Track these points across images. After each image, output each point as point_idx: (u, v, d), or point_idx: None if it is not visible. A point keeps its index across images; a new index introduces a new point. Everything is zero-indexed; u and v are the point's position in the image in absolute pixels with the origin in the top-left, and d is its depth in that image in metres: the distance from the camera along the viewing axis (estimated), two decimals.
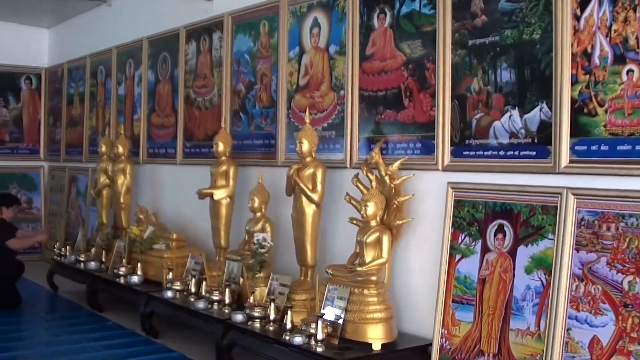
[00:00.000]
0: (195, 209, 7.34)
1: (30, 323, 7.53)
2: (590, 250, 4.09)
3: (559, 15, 4.29)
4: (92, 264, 8.07)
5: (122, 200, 8.36)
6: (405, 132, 5.30)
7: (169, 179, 8.47)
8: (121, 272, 7.35)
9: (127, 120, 9.22)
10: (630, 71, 3.98)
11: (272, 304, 5.28)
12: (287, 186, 5.68)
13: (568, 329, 4.10)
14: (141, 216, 7.92)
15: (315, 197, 5.52)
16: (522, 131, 4.52)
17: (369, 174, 5.23)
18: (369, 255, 5.01)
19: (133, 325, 6.95)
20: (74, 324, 7.36)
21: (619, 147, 4.02)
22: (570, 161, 4.26)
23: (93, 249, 8.50)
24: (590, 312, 4.03)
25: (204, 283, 6.24)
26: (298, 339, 4.80)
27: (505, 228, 4.56)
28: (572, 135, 4.24)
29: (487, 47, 4.73)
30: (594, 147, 4.14)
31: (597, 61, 4.13)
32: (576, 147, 4.23)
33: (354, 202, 5.28)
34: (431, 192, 5.11)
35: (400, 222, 5.08)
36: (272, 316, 5.26)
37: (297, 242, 5.68)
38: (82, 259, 8.28)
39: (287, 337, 4.93)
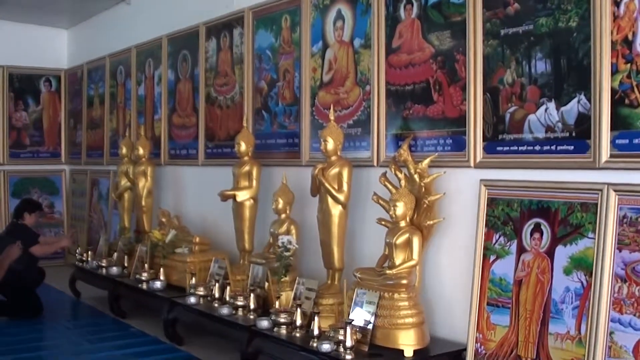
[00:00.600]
0: (218, 211, 7.19)
1: (52, 331, 7.40)
2: (634, 250, 3.87)
3: (597, 1, 4.06)
4: (114, 270, 7.93)
5: (143, 203, 8.22)
6: (435, 128, 5.09)
7: (191, 180, 8.32)
8: (143, 278, 7.21)
9: (147, 121, 9.10)
10: None
11: (299, 310, 5.10)
12: (311, 186, 5.51)
13: (611, 333, 3.88)
14: (163, 219, 7.76)
15: (341, 197, 5.32)
16: (559, 125, 4.30)
17: (398, 173, 5.04)
18: (398, 257, 4.82)
19: (157, 331, 6.80)
20: (96, 331, 7.23)
21: None
22: (611, 155, 4.04)
23: (115, 254, 8.37)
24: (635, 315, 3.82)
25: (228, 288, 6.06)
26: (326, 346, 4.61)
27: (542, 227, 4.34)
28: (612, 128, 4.02)
29: (521, 37, 4.51)
30: (636, 141, 3.92)
31: (638, 49, 3.90)
32: (617, 141, 4.00)
33: (382, 202, 5.08)
34: (463, 191, 4.91)
35: (431, 222, 4.88)
36: (298, 322, 5.09)
37: (323, 244, 5.50)
38: (103, 265, 8.15)
39: (315, 344, 4.75)
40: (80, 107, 11.27)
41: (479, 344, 4.56)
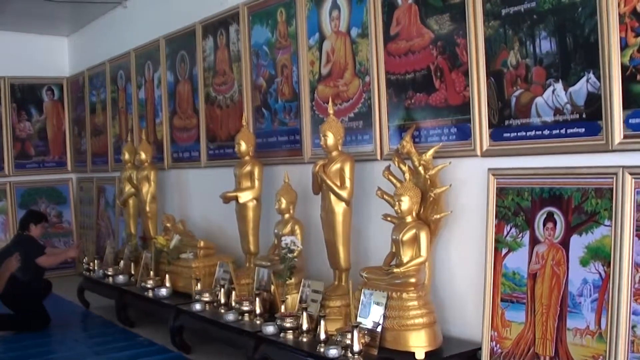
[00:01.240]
0: (222, 213, 7.01)
1: (59, 344, 7.28)
2: None
3: None
4: (120, 278, 7.80)
5: (148, 208, 8.05)
6: (439, 117, 4.88)
7: (194, 183, 8.18)
8: (149, 285, 7.06)
9: (149, 125, 8.96)
10: None
11: (305, 313, 4.89)
12: (313, 184, 5.30)
13: (633, 327, 3.65)
14: (168, 225, 7.64)
15: (344, 194, 5.11)
16: (568, 106, 4.06)
17: (401, 165, 4.83)
18: (406, 254, 4.62)
19: (164, 340, 6.64)
20: (104, 342, 7.10)
21: None
22: (625, 136, 3.79)
23: (122, 262, 8.23)
24: None
25: (234, 293, 5.87)
26: (333, 352, 4.42)
27: (555, 216, 4.12)
28: (625, 107, 3.78)
29: (523, 16, 4.27)
30: None
31: None
32: (630, 120, 3.76)
33: (386, 197, 4.87)
34: (470, 181, 4.69)
35: (438, 216, 4.66)
36: (304, 326, 4.89)
37: (328, 244, 5.29)
38: (110, 273, 8.03)
39: (322, 350, 4.55)
40: (84, 115, 11.14)
41: (494, 343, 4.34)
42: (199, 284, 6.41)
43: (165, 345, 6.57)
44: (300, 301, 5.21)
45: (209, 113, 7.64)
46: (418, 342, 4.41)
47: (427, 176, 4.68)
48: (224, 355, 6.11)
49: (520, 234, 4.28)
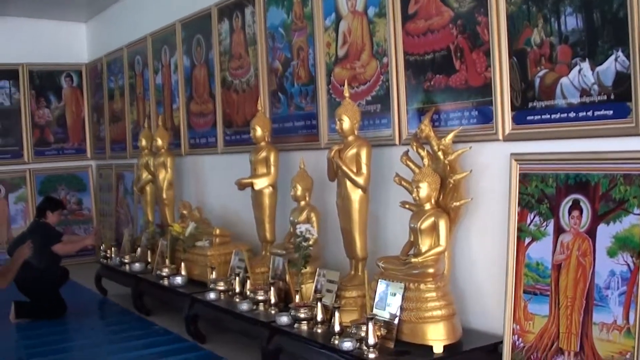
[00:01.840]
0: (239, 200, 6.86)
1: (75, 333, 7.22)
2: None
3: None
4: (137, 266, 7.70)
5: (164, 195, 7.93)
6: (459, 99, 4.66)
7: (211, 169, 8.05)
8: (164, 274, 6.95)
9: (166, 111, 8.84)
10: None
11: (319, 304, 4.72)
12: (328, 170, 5.12)
13: None
14: (184, 212, 7.51)
15: (360, 180, 4.91)
16: (595, 87, 3.84)
17: (420, 150, 4.63)
18: (424, 243, 4.44)
19: (180, 329, 6.53)
20: (119, 330, 7.02)
21: None
22: None
23: (139, 250, 8.12)
24: None
25: (248, 282, 5.72)
26: (347, 344, 4.24)
27: (582, 204, 3.90)
28: None
29: None
30: None
31: None
32: None
33: (404, 184, 4.68)
34: (492, 167, 4.48)
35: (458, 203, 4.45)
36: (319, 317, 4.73)
37: (344, 232, 5.11)
38: (126, 261, 7.93)
39: (336, 342, 4.37)
40: (102, 101, 11.06)
41: (516, 336, 4.14)
42: (214, 273, 6.29)
43: (180, 334, 6.46)
44: (315, 291, 5.04)
45: (225, 98, 7.50)
46: (436, 335, 4.23)
47: (446, 161, 4.48)
48: (239, 345, 5.97)
49: (544, 223, 4.08)
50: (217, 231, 6.80)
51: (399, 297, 4.31)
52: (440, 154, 4.52)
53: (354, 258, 5.08)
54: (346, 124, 4.95)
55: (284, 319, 4.92)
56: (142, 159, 8.37)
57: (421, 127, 4.60)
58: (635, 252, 3.57)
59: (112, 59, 10.55)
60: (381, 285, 4.45)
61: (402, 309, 4.28)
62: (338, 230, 5.26)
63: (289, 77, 6.37)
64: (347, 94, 5.06)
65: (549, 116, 4.10)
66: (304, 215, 5.52)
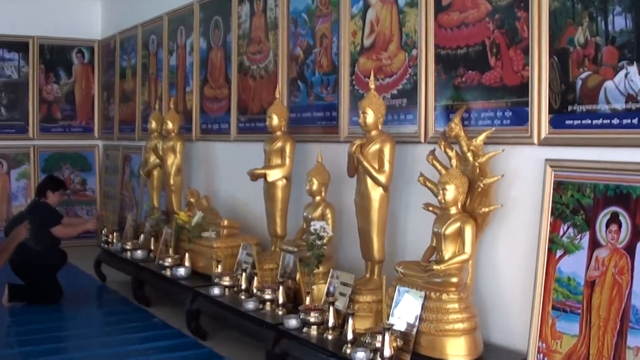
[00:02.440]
0: (249, 191, 6.62)
1: (70, 320, 6.95)
2: None
3: None
4: (139, 253, 7.46)
5: (172, 181, 7.68)
6: (492, 98, 4.39)
7: (222, 157, 7.79)
8: (167, 264, 6.72)
9: (179, 94, 8.58)
10: None
11: (332, 308, 4.45)
12: (348, 166, 4.85)
13: None
14: (192, 200, 7.29)
15: (382, 178, 4.64)
16: None
17: (448, 150, 4.36)
18: (448, 250, 4.18)
19: (180, 323, 6.26)
20: (117, 321, 6.76)
21: None
22: None
23: (142, 236, 7.86)
24: None
25: (256, 279, 5.46)
26: (360, 355, 3.99)
27: (621, 217, 3.65)
28: None
29: None
30: None
31: None
32: None
33: (429, 185, 4.42)
34: (524, 172, 4.22)
35: (487, 209, 4.18)
36: (330, 322, 4.48)
37: (361, 232, 4.84)
38: (128, 248, 7.69)
39: (348, 351, 4.13)
40: (113, 80, 10.81)
41: (541, 355, 3.88)
42: (219, 266, 6.05)
43: (181, 329, 6.21)
44: (327, 294, 4.79)
45: (241, 83, 7.24)
46: (456, 350, 3.97)
47: (476, 164, 4.21)
48: (242, 345, 5.71)
49: (579, 235, 3.82)
50: (225, 222, 6.55)
51: (418, 306, 4.05)
52: (469, 155, 4.25)
53: (370, 260, 4.81)
54: (370, 117, 4.69)
55: (292, 322, 4.66)
56: (151, 141, 8.13)
57: (451, 125, 4.33)
58: None
59: (126, 37, 10.30)
60: (399, 292, 4.19)
61: (421, 319, 4.03)
62: (353, 229, 5.03)
63: (310, 65, 6.11)
64: (372, 86, 4.79)
65: (589, 121, 3.85)
66: (318, 212, 5.26)
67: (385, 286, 4.23)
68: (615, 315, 3.56)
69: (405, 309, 4.11)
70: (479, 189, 4.17)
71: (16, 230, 6.51)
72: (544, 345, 3.87)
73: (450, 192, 4.17)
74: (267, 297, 5.20)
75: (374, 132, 4.72)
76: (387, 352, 3.82)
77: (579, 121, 3.88)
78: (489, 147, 4.26)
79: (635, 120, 3.62)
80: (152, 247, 7.47)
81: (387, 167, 4.64)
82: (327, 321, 4.45)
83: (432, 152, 4.46)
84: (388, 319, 4.13)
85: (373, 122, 4.70)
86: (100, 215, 9.32)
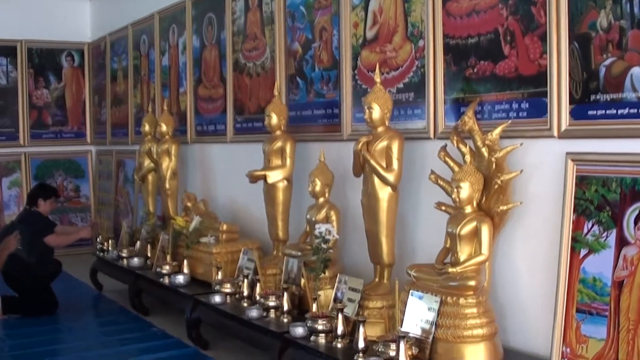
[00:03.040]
0: (249, 194, 6.39)
1: (66, 332, 6.73)
2: None
3: None
4: (135, 261, 7.22)
5: (167, 185, 7.44)
6: (507, 89, 4.16)
7: (219, 159, 7.58)
8: (165, 271, 6.48)
9: (172, 95, 8.36)
10: None
11: (340, 315, 4.19)
12: (354, 165, 4.62)
13: None
14: (188, 204, 7.06)
15: (390, 177, 4.41)
16: None
17: (461, 146, 4.13)
18: (463, 251, 3.96)
19: (180, 332, 6.03)
20: (115, 332, 6.52)
21: None
22: None
23: (138, 243, 7.61)
24: None
25: (258, 285, 5.22)
26: None
27: None
28: None
29: None
30: None
31: None
32: None
33: (442, 183, 4.18)
34: (544, 167, 3.99)
35: (505, 207, 3.95)
36: (339, 330, 4.23)
37: (369, 234, 4.61)
38: (124, 255, 7.45)
39: None
40: (104, 83, 10.58)
41: None
42: (219, 273, 5.82)
43: (181, 338, 5.97)
44: (335, 300, 4.55)
45: (237, 82, 7.02)
46: (475, 357, 3.77)
47: (492, 159, 3.97)
48: (245, 354, 5.47)
49: (605, 233, 3.61)
50: (224, 227, 6.33)
51: (433, 312, 3.82)
52: (484, 150, 4.02)
53: (379, 264, 4.57)
54: (376, 113, 4.45)
55: (299, 330, 4.42)
56: (145, 145, 7.91)
57: (464, 119, 4.09)
58: None
59: (117, 38, 10.07)
60: (413, 298, 3.96)
61: (436, 325, 3.81)
62: (358, 231, 4.85)
63: (309, 60, 5.89)
64: (378, 80, 4.56)
65: (614, 111, 3.63)
66: (322, 214, 5.03)
67: (398, 292, 3.99)
68: None
69: (420, 315, 3.89)
70: (496, 186, 3.93)
71: (5, 242, 6.28)
72: (568, 350, 3.66)
73: (465, 190, 3.94)
74: (271, 304, 4.96)
75: (380, 129, 4.49)
76: None
77: (603, 111, 3.67)
78: (504, 142, 4.03)
79: None
80: (149, 254, 7.25)
81: (395, 165, 4.41)
82: (336, 329, 4.21)
83: (444, 148, 4.24)
84: (401, 326, 3.89)
85: (379, 118, 4.46)
86: (94, 222, 9.09)
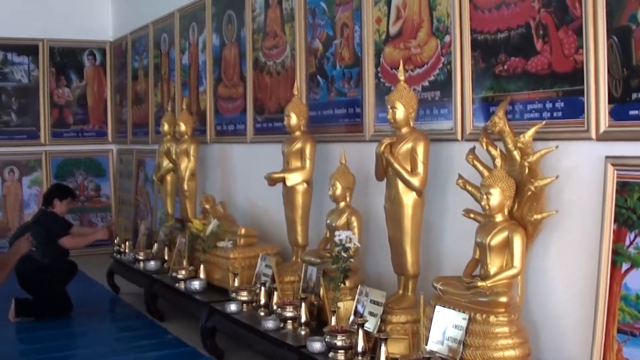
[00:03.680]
0: (268, 196, 6.16)
1: (79, 338, 6.60)
2: None
3: None
4: (152, 264, 7.04)
5: (185, 187, 7.22)
6: (540, 87, 3.86)
7: (239, 160, 7.34)
8: (180, 276, 6.23)
9: (192, 94, 8.16)
10: None
11: (361, 331, 3.91)
12: (377, 168, 4.34)
13: None
14: (207, 206, 6.84)
15: (415, 181, 4.14)
16: None
17: (491, 148, 3.83)
18: (494, 263, 3.67)
19: (195, 339, 5.80)
20: (129, 338, 6.34)
21: None
22: None
23: (155, 245, 7.40)
24: None
25: (276, 294, 4.97)
26: None
27: None
28: None
29: None
30: None
31: None
32: None
33: (470, 189, 3.90)
34: (580, 172, 3.68)
35: (539, 216, 3.64)
36: (360, 347, 3.94)
37: (392, 242, 4.33)
38: (141, 258, 7.24)
39: None
40: (126, 82, 10.45)
41: None
42: (236, 279, 5.58)
43: (196, 346, 5.75)
44: (356, 313, 4.28)
45: (257, 81, 6.79)
46: None
47: (525, 163, 3.67)
48: None
49: None
50: (242, 231, 6.08)
51: (461, 330, 3.53)
52: (516, 153, 3.73)
53: (403, 275, 4.29)
54: (400, 113, 4.17)
55: (316, 345, 4.15)
56: (164, 145, 7.71)
57: (494, 119, 3.79)
58: None
59: (138, 37, 9.92)
60: (439, 313, 3.67)
61: (464, 345, 3.52)
62: (381, 238, 4.60)
63: (330, 58, 5.63)
64: (402, 77, 4.27)
65: None
66: (343, 219, 4.77)
67: (423, 307, 3.70)
68: None
69: (446, 333, 3.60)
70: (529, 193, 3.63)
71: (17, 244, 6.09)
72: None
73: (496, 196, 3.64)
74: (289, 314, 4.70)
75: (404, 130, 4.21)
76: None
77: None
78: (537, 144, 3.73)
79: None
80: (166, 258, 7.05)
81: (421, 168, 4.13)
82: (356, 345, 3.93)
83: (472, 150, 3.95)
84: (426, 344, 3.61)
85: (404, 118, 4.19)
86: (111, 224, 8.90)
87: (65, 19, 10.55)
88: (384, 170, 4.27)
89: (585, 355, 3.45)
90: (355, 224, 4.73)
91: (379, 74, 5.06)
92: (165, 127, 7.74)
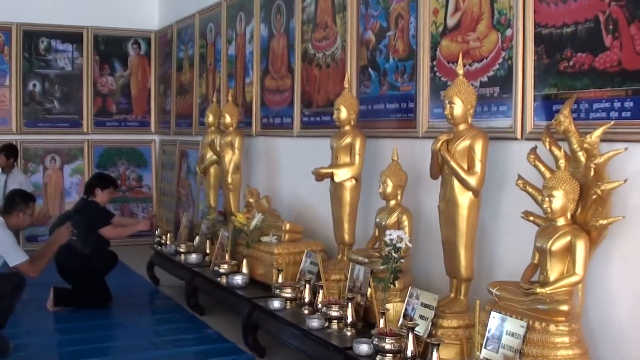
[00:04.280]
0: (315, 192, 5.99)
1: (117, 330, 6.44)
2: None
3: None
4: (193, 257, 6.90)
5: (229, 180, 7.09)
6: (608, 85, 3.65)
7: (285, 154, 7.18)
8: (222, 270, 6.09)
9: (238, 85, 7.99)
10: None
11: (411, 335, 3.74)
12: (432, 165, 4.17)
13: None
14: (251, 200, 6.70)
15: (472, 181, 3.96)
16: None
17: (554, 148, 3.64)
18: (554, 269, 3.49)
19: (236, 335, 5.68)
20: (168, 331, 6.22)
21: None
22: None
23: (197, 238, 7.29)
24: None
25: (321, 292, 4.80)
26: None
27: None
28: None
29: None
30: None
31: None
32: None
33: (531, 190, 3.71)
34: None
35: (605, 221, 3.44)
36: (409, 351, 3.77)
37: (445, 244, 4.16)
38: (182, 250, 7.12)
39: None
40: (170, 72, 10.30)
41: None
42: (280, 276, 5.44)
43: (237, 342, 5.64)
44: (405, 315, 4.11)
45: (305, 73, 6.61)
46: None
47: (591, 165, 3.47)
48: None
49: None
50: (287, 226, 5.95)
51: (518, 338, 3.35)
52: (581, 155, 3.53)
53: (456, 278, 4.11)
54: (458, 108, 4.00)
55: (363, 348, 4.00)
56: (208, 136, 7.56)
57: (559, 118, 3.59)
58: None
59: (183, 27, 9.77)
60: (494, 319, 3.50)
61: (521, 354, 3.35)
62: (431, 239, 4.46)
63: (383, 50, 5.43)
64: (460, 72, 4.09)
65: None
66: (393, 218, 4.60)
67: (478, 312, 3.53)
68: None
69: (502, 341, 3.42)
70: (595, 196, 3.44)
71: (56, 233, 6.00)
72: None
73: (558, 199, 3.45)
74: (334, 314, 4.54)
75: (462, 126, 4.03)
76: None
77: None
78: (603, 146, 3.53)
79: None
80: (208, 251, 6.92)
81: (478, 167, 3.95)
82: (406, 350, 3.75)
83: (534, 150, 3.76)
84: (480, 351, 3.44)
85: (462, 114, 4.01)
86: (154, 215, 8.79)
87: (110, 7, 10.48)
88: (440, 168, 4.10)
89: None
90: (406, 223, 4.57)
91: (435, 68, 4.86)
92: (210, 118, 7.61)
